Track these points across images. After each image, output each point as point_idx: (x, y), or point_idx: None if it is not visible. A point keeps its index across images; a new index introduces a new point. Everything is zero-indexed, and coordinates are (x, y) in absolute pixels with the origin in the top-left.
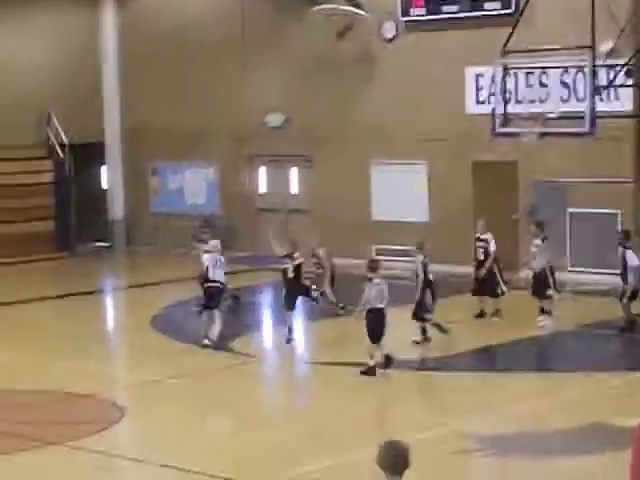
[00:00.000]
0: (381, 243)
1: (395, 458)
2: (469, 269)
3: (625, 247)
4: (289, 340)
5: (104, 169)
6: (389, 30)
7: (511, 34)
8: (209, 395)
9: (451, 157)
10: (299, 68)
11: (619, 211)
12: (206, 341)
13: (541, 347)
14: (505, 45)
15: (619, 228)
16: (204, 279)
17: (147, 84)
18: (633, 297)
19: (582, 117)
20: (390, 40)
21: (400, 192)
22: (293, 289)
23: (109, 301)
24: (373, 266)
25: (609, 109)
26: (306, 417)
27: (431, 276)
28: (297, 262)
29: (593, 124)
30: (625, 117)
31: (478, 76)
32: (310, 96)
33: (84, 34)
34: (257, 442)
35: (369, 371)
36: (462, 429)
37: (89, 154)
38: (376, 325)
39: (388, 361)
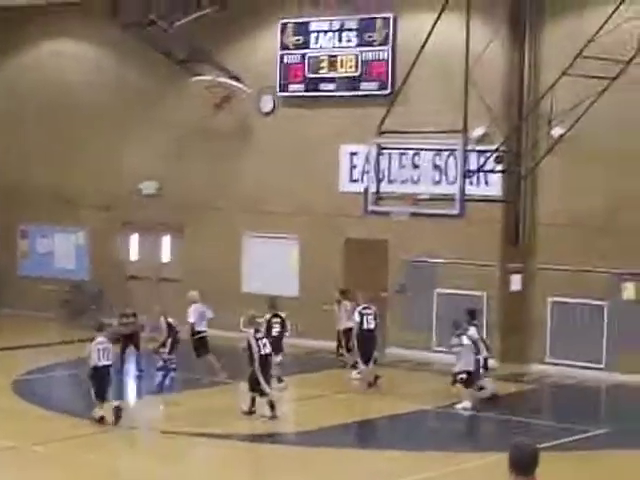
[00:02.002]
0: None
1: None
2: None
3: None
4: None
5: None
6: (267, 104)
7: (386, 114)
8: (63, 463)
9: (323, 232)
10: (176, 137)
11: (484, 293)
12: None
13: (402, 425)
14: (380, 125)
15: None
16: None
17: (20, 144)
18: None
19: (452, 199)
20: (267, 114)
21: (271, 265)
22: None
23: None
24: None
25: (479, 193)
26: None
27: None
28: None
29: (463, 207)
30: (494, 201)
31: (352, 154)
32: (186, 165)
33: None
34: None
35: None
36: None
37: None
38: None
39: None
